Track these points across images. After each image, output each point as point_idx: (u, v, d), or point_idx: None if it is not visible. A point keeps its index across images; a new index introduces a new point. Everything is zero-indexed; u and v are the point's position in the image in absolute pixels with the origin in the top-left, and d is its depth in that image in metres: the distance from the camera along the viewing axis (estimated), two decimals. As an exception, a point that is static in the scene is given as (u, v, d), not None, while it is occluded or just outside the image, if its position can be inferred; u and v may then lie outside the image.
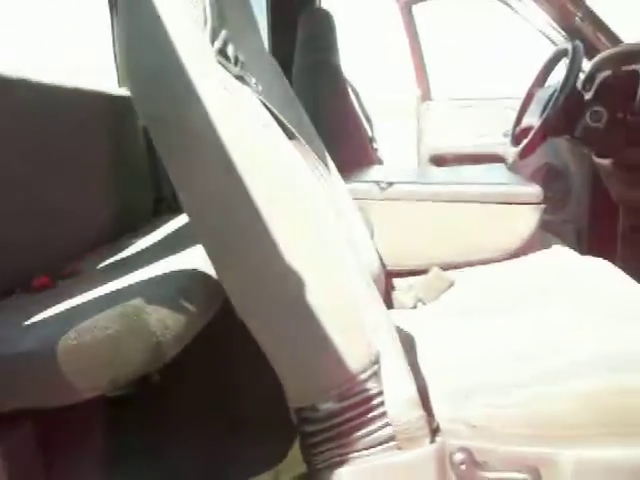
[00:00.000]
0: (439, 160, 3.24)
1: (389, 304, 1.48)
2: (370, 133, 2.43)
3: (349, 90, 2.22)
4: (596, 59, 2.21)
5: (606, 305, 1.21)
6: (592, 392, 0.95)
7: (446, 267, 1.52)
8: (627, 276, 1.39)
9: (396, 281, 1.54)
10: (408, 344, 1.19)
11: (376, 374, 0.92)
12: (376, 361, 0.92)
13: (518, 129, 2.23)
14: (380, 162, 2.48)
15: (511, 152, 2.11)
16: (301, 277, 0.87)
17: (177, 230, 1.60)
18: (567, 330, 1.16)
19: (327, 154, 1.35)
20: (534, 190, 1.56)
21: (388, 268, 1.52)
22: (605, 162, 2.20)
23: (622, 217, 2.55)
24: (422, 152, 3.26)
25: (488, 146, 3.12)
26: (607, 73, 2.16)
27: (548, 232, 1.71)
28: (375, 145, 2.45)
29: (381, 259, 1.49)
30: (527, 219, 1.53)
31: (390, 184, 1.53)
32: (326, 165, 1.30)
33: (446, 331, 1.27)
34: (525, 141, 1.99)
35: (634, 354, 0.98)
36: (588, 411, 0.95)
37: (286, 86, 1.32)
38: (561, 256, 1.53)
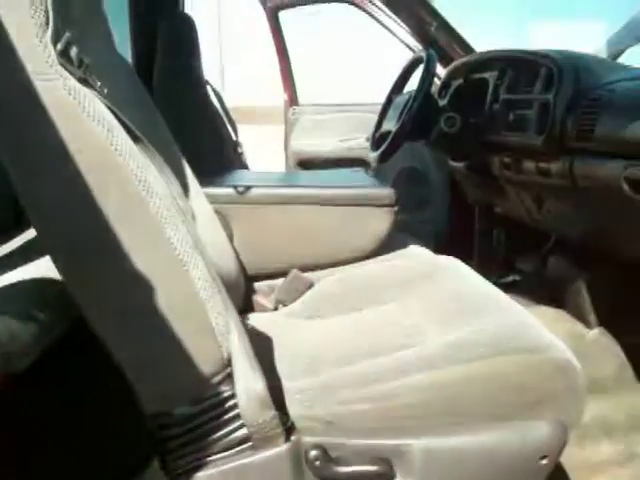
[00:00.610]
0: (306, 164, 3.28)
1: (250, 307, 1.49)
2: (234, 137, 2.43)
3: (211, 94, 2.22)
4: (450, 67, 2.33)
5: (455, 300, 1.28)
6: (438, 383, 1.00)
7: (306, 269, 1.55)
8: (476, 273, 1.47)
9: (257, 285, 1.55)
10: (265, 345, 1.20)
11: (229, 376, 0.93)
12: (228, 364, 0.93)
13: (378, 134, 2.30)
14: (245, 166, 2.49)
15: (372, 156, 2.17)
16: (148, 284, 0.87)
17: (35, 240, 1.54)
18: (416, 325, 1.21)
19: (183, 158, 1.34)
20: (387, 192, 1.61)
21: (249, 272, 1.53)
22: (459, 165, 2.32)
23: (477, 218, 2.69)
24: (290, 156, 3.29)
25: (352, 150, 3.19)
26: (460, 81, 2.27)
27: (408, 233, 1.78)
28: (240, 149, 2.46)
29: (241, 263, 1.50)
30: (381, 220, 1.58)
31: (248, 188, 1.54)
32: (180, 169, 1.29)
33: (303, 331, 1.29)
34: (383, 146, 2.06)
35: (477, 344, 1.04)
36: (435, 402, 1.00)
37: (138, 88, 1.30)
38: (416, 256, 1.59)
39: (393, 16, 2.78)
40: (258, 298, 1.49)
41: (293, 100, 3.33)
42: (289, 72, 3.31)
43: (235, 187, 1.54)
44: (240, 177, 1.84)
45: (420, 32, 2.56)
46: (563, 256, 2.00)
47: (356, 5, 2.99)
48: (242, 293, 1.45)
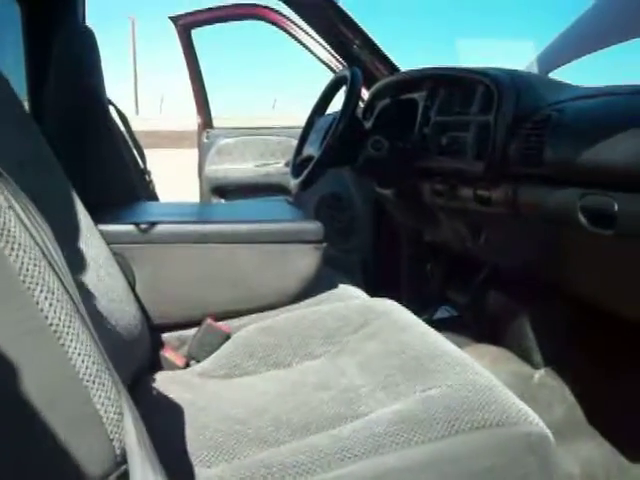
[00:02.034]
0: (221, 191, 3.08)
1: (157, 364, 1.26)
2: (141, 164, 2.19)
3: (113, 116, 1.98)
4: (374, 87, 2.18)
5: (395, 355, 1.09)
6: (386, 471, 0.81)
7: (222, 317, 1.34)
8: (416, 317, 1.30)
9: (165, 337, 1.32)
10: (173, 418, 0.99)
11: (124, 477, 0.71)
12: (122, 461, 0.71)
13: (298, 159, 2.12)
14: (154, 197, 2.25)
15: (292, 184, 1.98)
16: (11, 366, 0.64)
17: None
18: (354, 388, 1.02)
19: (73, 190, 1.11)
20: (314, 227, 1.41)
21: (155, 322, 1.30)
22: (387, 192, 2.15)
23: (404, 246, 2.55)
24: (204, 183, 3.07)
25: (270, 176, 3.02)
26: (386, 101, 2.12)
27: (333, 266, 1.59)
28: (148, 177, 2.22)
29: (146, 312, 1.27)
30: (308, 259, 1.38)
31: (152, 224, 1.30)
32: (67, 204, 1.07)
33: (220, 396, 1.08)
34: (305, 172, 1.87)
35: (432, 419, 0.86)
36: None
37: (18, 112, 1.07)
38: (348, 298, 1.41)
39: (311, 33, 2.64)
40: (166, 353, 1.26)
41: (207, 123, 3.12)
42: (202, 93, 3.10)
43: (137, 224, 1.31)
44: (145, 211, 1.60)
45: (341, 51, 2.40)
46: (502, 289, 1.85)
47: (271, 22, 2.84)
48: (146, 348, 1.22)
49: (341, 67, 2.73)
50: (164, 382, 1.15)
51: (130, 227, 1.31)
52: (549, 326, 1.67)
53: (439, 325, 1.37)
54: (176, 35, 2.98)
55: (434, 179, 1.83)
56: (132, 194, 1.67)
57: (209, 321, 1.29)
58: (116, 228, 1.29)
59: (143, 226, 1.29)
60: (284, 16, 2.79)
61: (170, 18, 2.96)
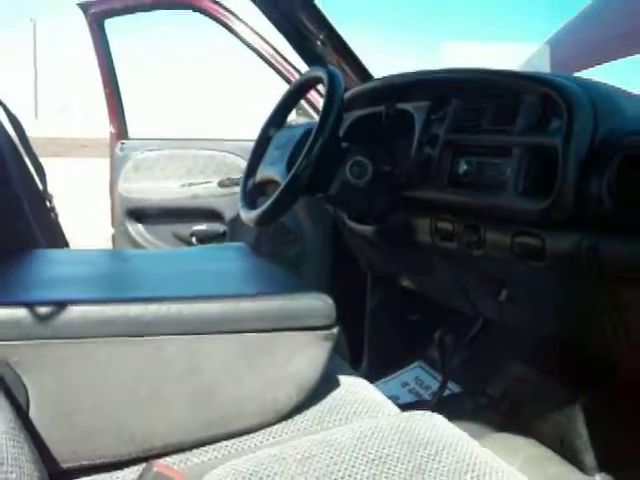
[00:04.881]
0: (138, 215, 2.53)
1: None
2: (40, 186, 1.61)
3: (3, 123, 1.43)
4: (348, 94, 1.71)
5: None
6: None
7: (173, 451, 0.83)
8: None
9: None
10: None
11: None
12: None
13: (251, 183, 1.63)
14: (56, 232, 1.67)
15: (246, 217, 1.49)
16: None
17: None
18: None
19: None
20: (324, 305, 0.92)
21: (64, 465, 0.78)
22: (362, 228, 1.69)
23: (371, 288, 2.10)
24: (117, 204, 2.52)
25: (200, 198, 2.50)
26: (365, 112, 1.67)
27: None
28: (50, 204, 1.64)
29: (49, 452, 0.75)
30: (313, 353, 0.89)
31: (58, 305, 0.75)
32: None
33: None
34: (268, 203, 1.39)
35: None
36: None
37: None
38: (366, 409, 0.93)
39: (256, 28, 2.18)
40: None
41: (121, 132, 2.56)
42: (116, 97, 2.55)
43: (30, 305, 0.76)
44: (42, 274, 1.06)
45: (299, 45, 1.92)
46: (532, 363, 1.41)
47: (204, 12, 2.34)
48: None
49: (291, 69, 2.28)
50: None
51: (17, 312, 0.77)
52: (608, 418, 1.24)
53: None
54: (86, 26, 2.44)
55: (439, 216, 1.39)
56: (22, 236, 1.11)
57: (157, 466, 0.77)
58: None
59: (42, 310, 0.76)
60: (222, 6, 2.29)
61: (79, 5, 2.41)
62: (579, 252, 1.03)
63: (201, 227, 2.49)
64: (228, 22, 2.30)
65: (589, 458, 1.24)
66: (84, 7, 2.44)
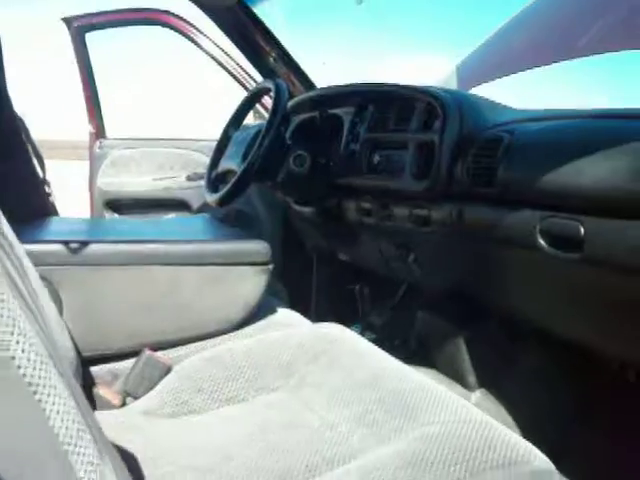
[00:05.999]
0: (115, 206, 2.88)
1: (90, 403, 1.11)
2: (41, 175, 1.98)
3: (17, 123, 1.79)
4: (293, 102, 2.10)
5: (367, 388, 1.01)
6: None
7: (161, 347, 1.21)
8: (368, 343, 1.23)
9: (96, 370, 1.18)
10: (123, 469, 0.86)
11: None
12: None
13: (214, 173, 2.00)
14: (54, 211, 2.05)
15: (210, 199, 1.86)
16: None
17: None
18: (331, 425, 0.93)
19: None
20: (261, 247, 1.32)
21: (85, 354, 1.15)
22: (305, 210, 2.08)
23: (316, 267, 2.48)
24: (96, 197, 2.87)
25: (170, 190, 2.86)
26: (304, 116, 2.05)
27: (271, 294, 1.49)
28: (48, 190, 2.01)
29: (75, 344, 1.12)
30: (255, 282, 1.28)
31: (83, 244, 1.15)
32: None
33: (170, 441, 0.96)
34: (227, 187, 1.76)
35: (444, 462, 0.79)
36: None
37: None
38: (292, 326, 1.32)
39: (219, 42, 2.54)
40: (99, 390, 1.12)
41: (100, 132, 2.92)
42: (95, 100, 2.90)
43: (66, 243, 1.15)
44: (67, 228, 1.44)
45: (256, 61, 2.30)
46: (430, 309, 1.81)
47: (174, 29, 2.70)
48: (79, 385, 1.07)
49: (250, 80, 2.65)
50: (103, 425, 1.01)
51: (57, 247, 1.15)
52: (484, 348, 1.64)
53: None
54: (69, 37, 2.78)
55: (361, 197, 1.77)
56: (42, 207, 1.49)
57: (148, 352, 1.15)
58: (40, 248, 1.14)
59: (73, 246, 1.14)
60: (188, 23, 2.66)
61: (64, 20, 2.76)
62: (451, 218, 1.43)
63: (171, 216, 2.84)
64: (194, 37, 2.67)
65: (471, 378, 1.64)
66: (68, 21, 2.78)
